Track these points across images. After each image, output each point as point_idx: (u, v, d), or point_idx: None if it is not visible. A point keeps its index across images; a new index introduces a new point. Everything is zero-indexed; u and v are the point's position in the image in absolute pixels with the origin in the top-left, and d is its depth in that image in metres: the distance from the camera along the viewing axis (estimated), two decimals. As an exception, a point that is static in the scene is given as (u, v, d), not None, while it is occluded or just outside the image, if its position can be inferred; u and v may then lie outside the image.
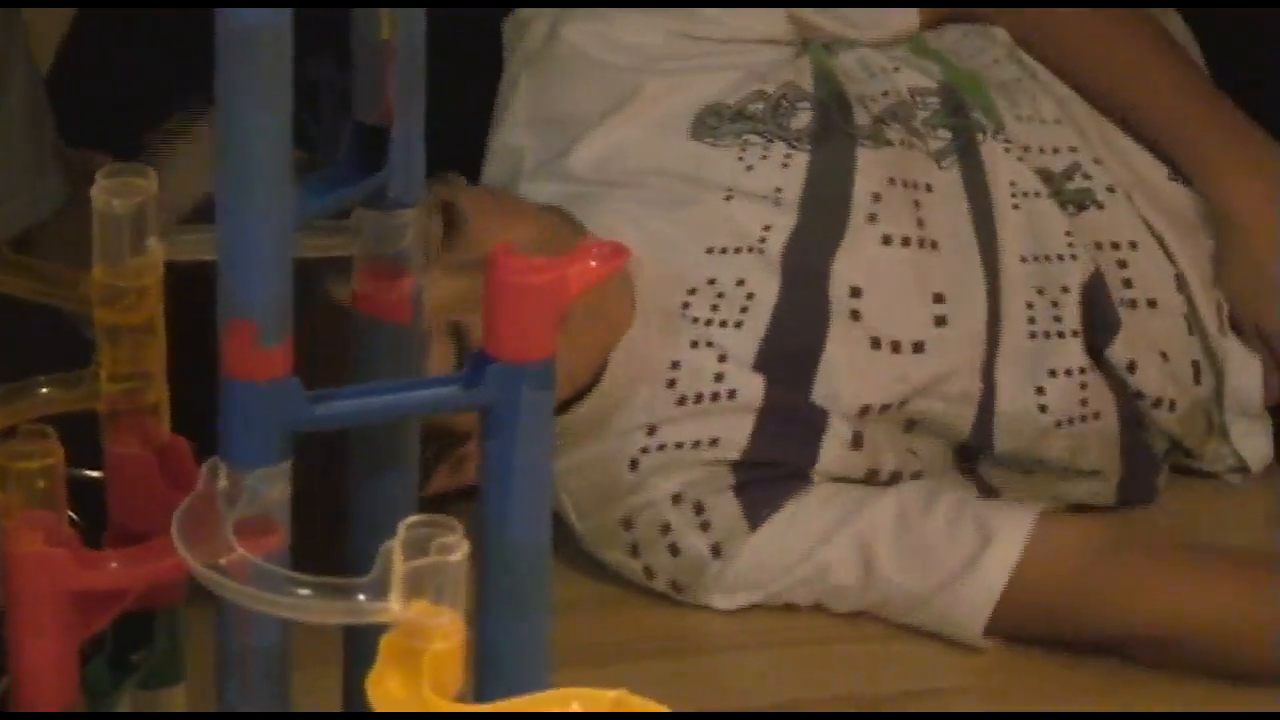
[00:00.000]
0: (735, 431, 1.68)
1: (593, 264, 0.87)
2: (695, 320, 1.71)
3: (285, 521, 0.92)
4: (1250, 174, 1.86)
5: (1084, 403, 1.76)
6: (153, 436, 1.03)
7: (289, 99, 0.83)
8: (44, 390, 1.01)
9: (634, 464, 1.67)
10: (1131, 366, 1.79)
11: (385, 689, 0.81)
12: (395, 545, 0.79)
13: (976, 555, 1.65)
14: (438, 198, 1.55)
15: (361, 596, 0.82)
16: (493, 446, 0.90)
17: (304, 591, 0.85)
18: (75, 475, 1.00)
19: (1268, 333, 1.86)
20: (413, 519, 0.80)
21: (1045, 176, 1.82)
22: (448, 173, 1.68)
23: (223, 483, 0.88)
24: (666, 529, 1.67)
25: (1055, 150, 1.85)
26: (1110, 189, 1.84)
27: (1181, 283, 1.84)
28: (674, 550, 1.67)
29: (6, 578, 0.97)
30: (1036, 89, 1.89)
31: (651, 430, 1.68)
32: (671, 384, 1.69)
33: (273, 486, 0.90)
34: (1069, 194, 1.83)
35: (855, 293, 1.71)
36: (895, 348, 1.72)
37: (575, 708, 0.80)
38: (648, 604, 1.73)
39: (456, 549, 0.79)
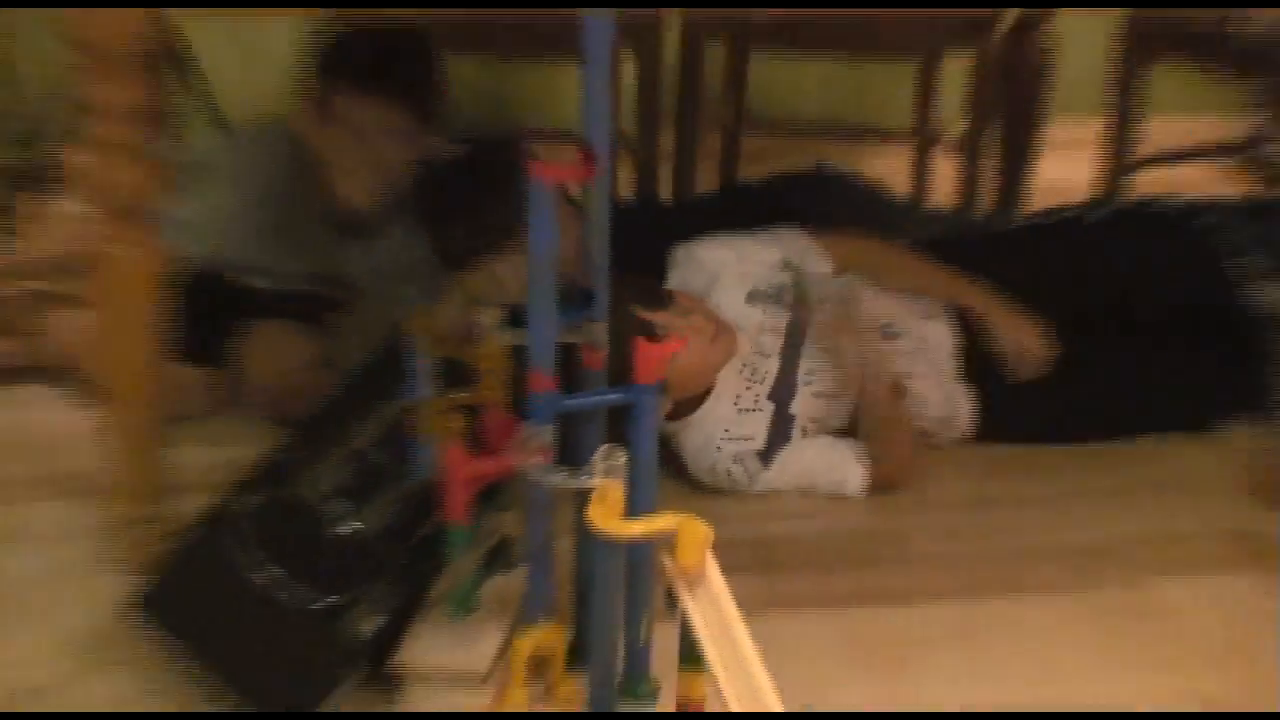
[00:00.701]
0: (759, 428, 2.54)
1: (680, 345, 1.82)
2: (747, 375, 2.57)
3: (552, 448, 1.82)
4: (985, 296, 2.62)
5: None
6: (498, 410, 1.96)
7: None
8: (461, 394, 1.96)
9: (718, 446, 2.54)
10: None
11: (595, 513, 1.71)
12: (598, 455, 1.72)
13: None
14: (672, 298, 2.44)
15: (584, 477, 1.75)
16: (635, 418, 1.83)
17: (560, 475, 1.78)
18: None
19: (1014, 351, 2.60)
20: (604, 446, 1.73)
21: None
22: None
23: (530, 433, 1.82)
24: (729, 472, 2.54)
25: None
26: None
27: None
28: (731, 478, 2.54)
29: (447, 469, 1.89)
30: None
31: (726, 429, 2.54)
32: (735, 402, 2.55)
33: (546, 434, 1.81)
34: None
35: (809, 378, 2.58)
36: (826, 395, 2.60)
37: (668, 521, 1.71)
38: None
39: (622, 456, 1.71)
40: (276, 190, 2.65)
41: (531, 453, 1.83)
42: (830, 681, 2.08)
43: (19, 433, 2.64)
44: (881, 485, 2.54)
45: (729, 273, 2.60)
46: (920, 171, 3.79)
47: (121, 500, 2.17)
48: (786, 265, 2.63)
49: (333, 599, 1.90)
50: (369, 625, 1.92)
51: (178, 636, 1.93)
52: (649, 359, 1.82)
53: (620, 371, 1.85)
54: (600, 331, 1.91)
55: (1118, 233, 2.73)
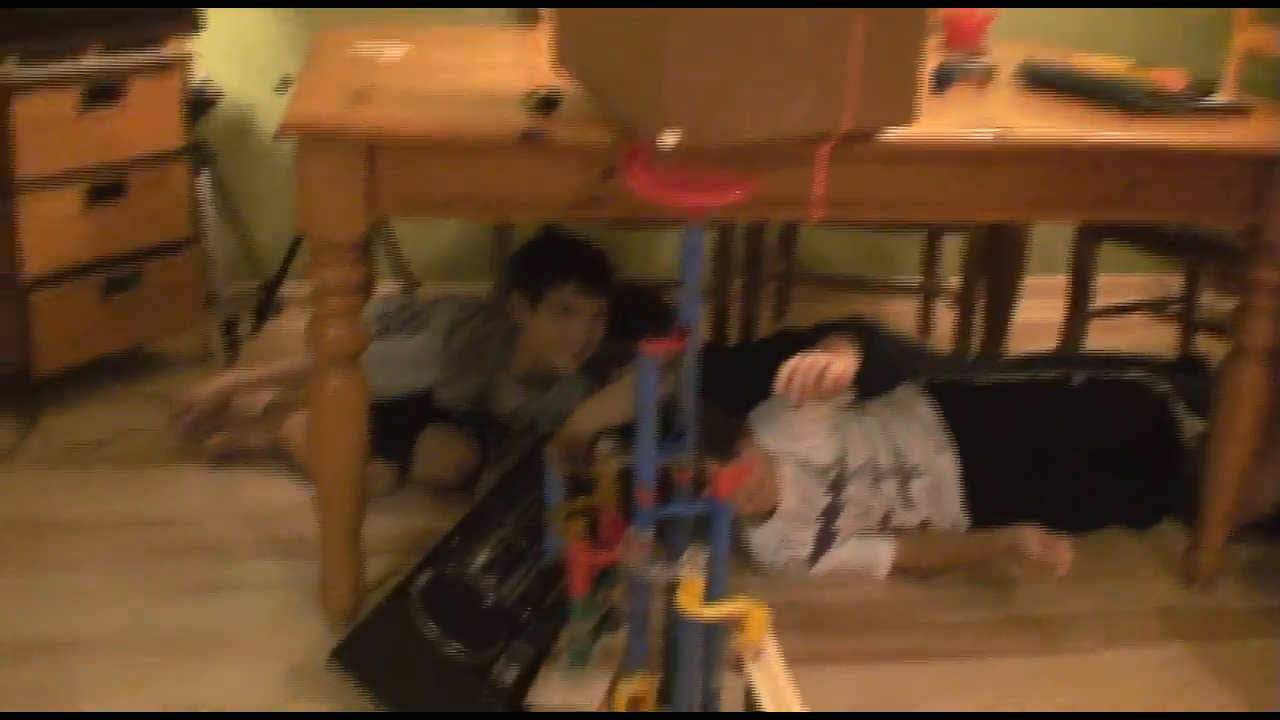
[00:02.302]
0: (809, 539, 2.50)
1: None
2: (805, 503, 2.50)
3: (652, 545, 1.88)
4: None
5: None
6: (610, 513, 2.01)
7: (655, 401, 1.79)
8: (579, 501, 2.01)
9: (776, 548, 2.50)
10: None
11: (682, 599, 1.78)
12: (685, 554, 1.76)
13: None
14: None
15: (675, 570, 1.79)
16: (712, 524, 1.87)
17: (657, 568, 1.82)
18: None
19: None
20: (690, 550, 1.77)
21: None
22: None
23: (635, 536, 1.87)
24: (784, 567, 2.51)
25: None
26: None
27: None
28: (784, 570, 2.51)
29: (571, 559, 1.95)
30: None
31: (784, 537, 2.49)
32: (793, 518, 2.50)
33: (648, 535, 1.87)
34: None
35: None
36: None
37: (738, 607, 1.75)
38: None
39: (703, 555, 1.75)
40: (478, 344, 2.73)
41: (636, 549, 1.88)
42: None
43: (253, 503, 2.67)
44: (900, 568, 2.54)
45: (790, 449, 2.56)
46: (926, 316, 3.83)
47: (328, 567, 2.21)
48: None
49: (484, 654, 1.94)
50: (510, 674, 1.97)
51: (365, 683, 1.96)
52: (722, 480, 1.87)
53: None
54: (690, 460, 1.95)
55: (1092, 392, 2.74)
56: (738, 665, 1.79)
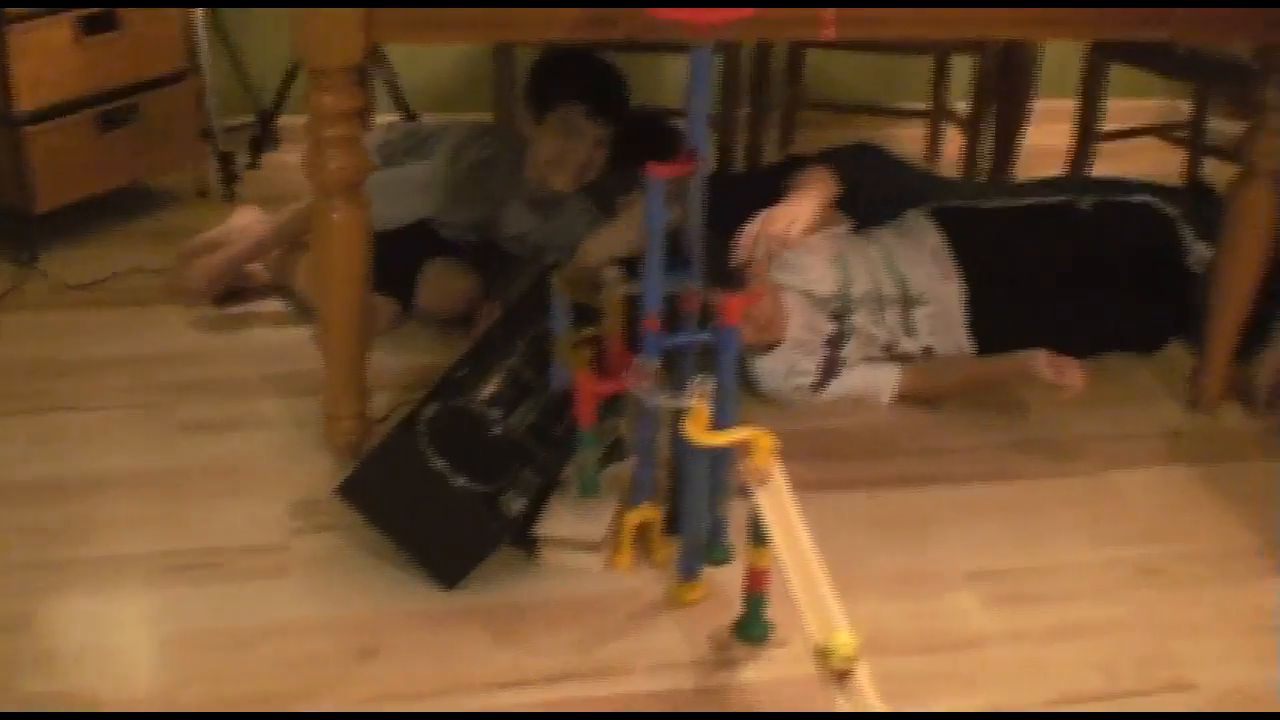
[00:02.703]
0: (814, 367, 2.48)
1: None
2: (808, 330, 2.48)
3: (659, 374, 1.86)
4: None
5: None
6: (617, 343, 1.99)
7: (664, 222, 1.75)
8: (589, 330, 1.98)
9: (784, 377, 2.47)
10: None
11: (688, 426, 1.76)
12: (694, 385, 1.75)
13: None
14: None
15: (681, 399, 1.78)
16: (719, 352, 1.85)
17: (664, 397, 1.80)
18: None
19: None
20: (699, 377, 1.75)
21: None
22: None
23: (642, 364, 1.85)
24: (790, 396, 2.48)
25: None
26: None
27: None
28: (791, 398, 2.48)
29: (577, 389, 1.92)
30: None
31: (791, 365, 2.47)
32: (799, 347, 2.48)
33: (654, 364, 1.84)
34: None
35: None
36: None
37: (744, 433, 1.74)
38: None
39: (710, 382, 1.73)
40: (485, 168, 2.64)
41: (643, 378, 1.86)
42: (862, 550, 2.09)
43: (256, 341, 2.66)
44: (907, 396, 2.52)
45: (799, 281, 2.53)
46: (934, 141, 3.77)
47: (333, 401, 2.20)
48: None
49: (492, 485, 1.93)
50: (518, 505, 1.96)
51: (371, 515, 1.96)
52: (730, 308, 1.84)
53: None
54: (697, 288, 1.92)
55: (1100, 215, 2.70)
56: (744, 491, 1.78)
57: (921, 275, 2.55)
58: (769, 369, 2.47)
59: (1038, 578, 2.05)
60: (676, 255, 1.89)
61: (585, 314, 2.00)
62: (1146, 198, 2.74)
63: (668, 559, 2.01)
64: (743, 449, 1.78)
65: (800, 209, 2.28)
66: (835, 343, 2.48)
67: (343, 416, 2.19)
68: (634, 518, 2.00)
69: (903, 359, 2.55)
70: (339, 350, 2.14)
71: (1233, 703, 1.80)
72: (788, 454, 2.19)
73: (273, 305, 2.78)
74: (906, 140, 3.81)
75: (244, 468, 2.22)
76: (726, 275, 2.25)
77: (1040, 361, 2.38)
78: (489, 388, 2.06)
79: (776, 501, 1.77)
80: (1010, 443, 2.41)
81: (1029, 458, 2.37)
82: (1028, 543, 2.13)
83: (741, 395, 2.37)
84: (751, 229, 2.24)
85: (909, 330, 2.54)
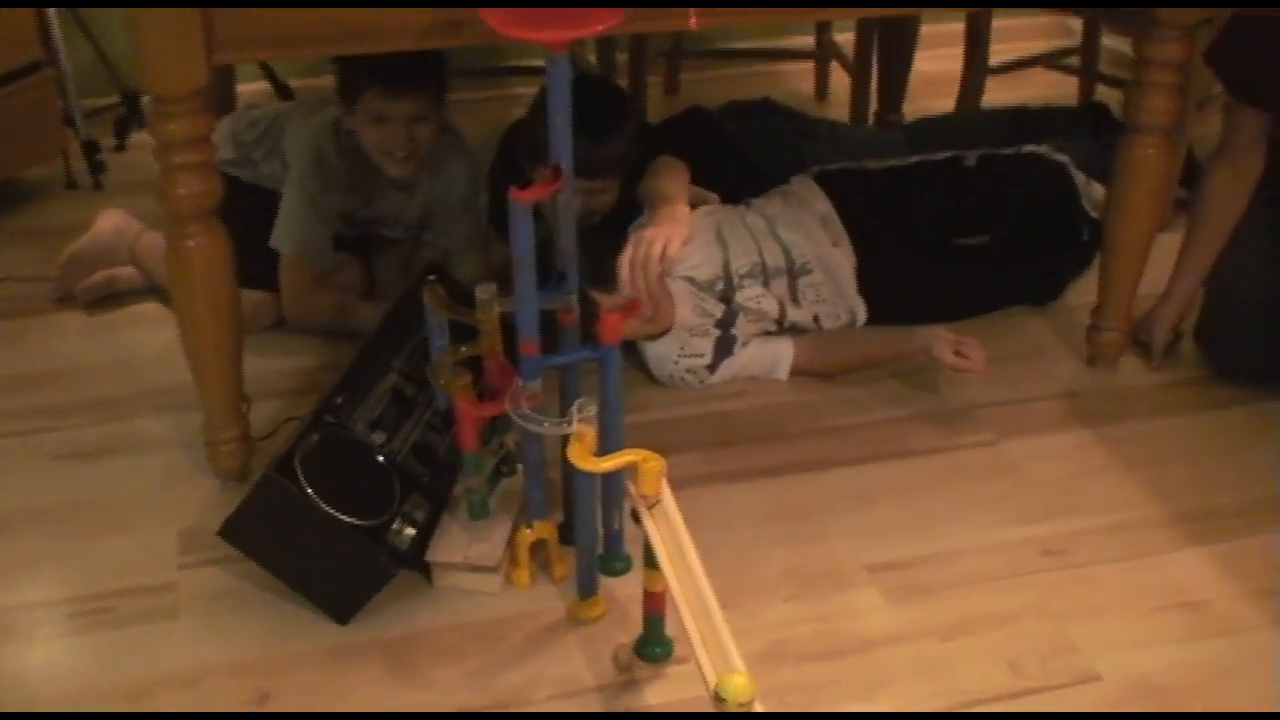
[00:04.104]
0: (707, 348, 2.42)
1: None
2: (699, 312, 2.42)
3: (540, 395, 1.80)
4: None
5: None
6: (496, 359, 1.90)
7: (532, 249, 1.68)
8: (463, 348, 1.91)
9: (675, 360, 2.40)
10: None
11: (574, 452, 1.70)
12: (575, 408, 1.69)
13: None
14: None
15: (565, 425, 1.72)
16: (602, 369, 1.80)
17: (546, 424, 1.74)
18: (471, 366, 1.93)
19: None
20: (580, 400, 1.69)
21: None
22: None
23: (521, 386, 1.79)
24: (682, 379, 2.41)
25: None
26: None
27: None
28: (684, 382, 2.42)
29: (458, 414, 1.86)
30: None
31: (681, 347, 2.40)
32: (690, 329, 2.41)
33: (536, 386, 1.78)
34: None
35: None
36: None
37: (630, 457, 1.69)
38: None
39: (593, 407, 1.68)
40: (343, 158, 2.51)
41: (524, 401, 1.80)
42: (758, 549, 2.06)
43: (131, 349, 2.54)
44: (803, 370, 2.47)
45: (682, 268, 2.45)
46: (821, 80, 3.70)
47: (211, 428, 2.12)
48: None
49: (378, 517, 1.87)
50: (407, 534, 1.90)
51: (256, 556, 1.90)
52: (609, 327, 1.79)
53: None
54: (573, 301, 1.87)
55: (988, 169, 2.67)
56: (634, 516, 1.74)
57: (805, 242, 2.50)
58: (660, 354, 2.42)
59: (938, 566, 2.02)
60: (549, 268, 1.82)
61: (463, 330, 1.94)
62: (1034, 147, 2.70)
63: (566, 574, 1.97)
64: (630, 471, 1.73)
65: (672, 226, 2.22)
66: (726, 322, 2.43)
67: (223, 441, 2.12)
68: (528, 536, 1.95)
69: (795, 331, 2.50)
70: (212, 381, 2.06)
71: (1138, 692, 1.80)
72: (679, 444, 2.17)
73: (146, 306, 2.68)
74: (796, 80, 3.73)
75: (127, 498, 2.14)
76: (604, 273, 2.20)
77: (942, 343, 2.35)
78: (370, 409, 1.99)
79: (666, 525, 1.73)
80: (905, 416, 2.38)
81: (924, 431, 2.34)
82: (926, 527, 2.11)
83: (635, 378, 2.37)
84: (627, 258, 2.19)
85: (796, 299, 2.49)
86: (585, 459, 1.73)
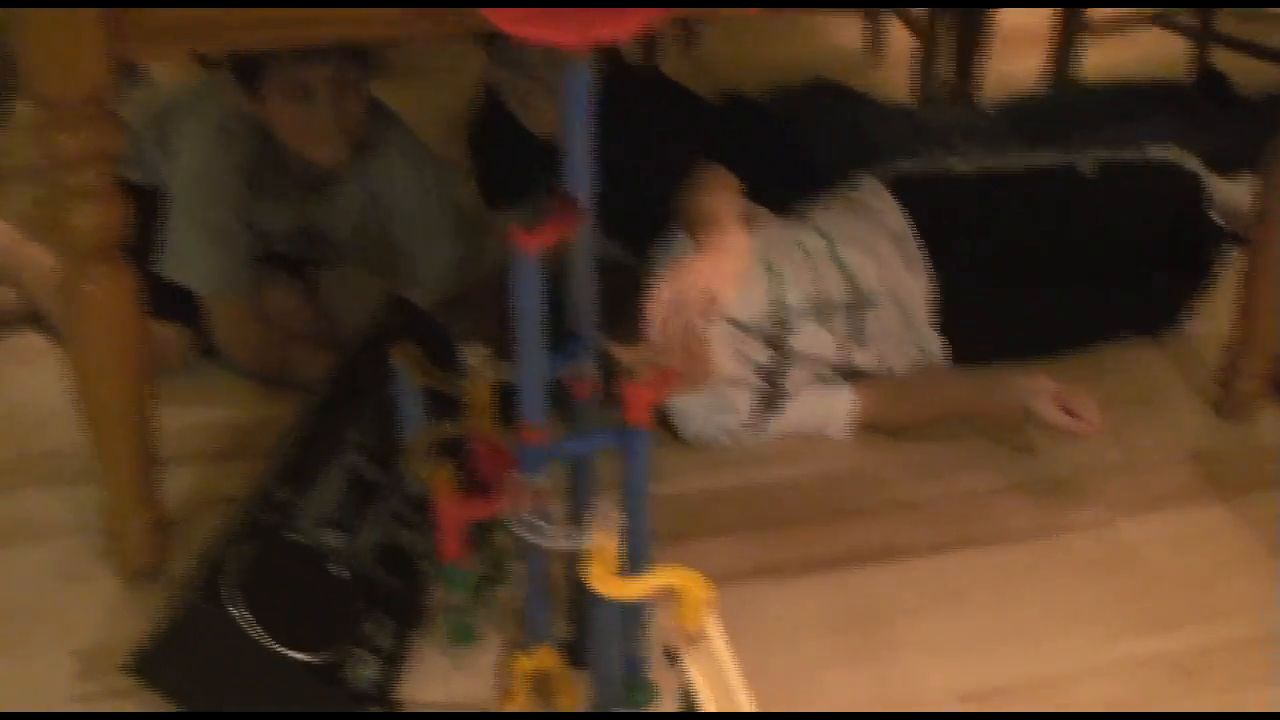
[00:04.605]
0: (743, 403, 2.28)
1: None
2: (739, 358, 2.28)
3: (547, 491, 1.62)
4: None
5: None
6: (487, 441, 1.71)
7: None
8: (445, 425, 1.75)
9: (703, 418, 2.26)
10: None
11: (594, 573, 1.53)
12: (591, 513, 1.52)
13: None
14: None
15: (579, 537, 1.56)
16: (627, 456, 1.64)
17: (554, 536, 1.57)
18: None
19: None
20: (600, 506, 1.52)
21: None
22: None
23: (522, 483, 1.62)
24: (715, 439, 2.28)
25: None
26: None
27: None
28: (716, 442, 2.28)
29: (439, 516, 1.67)
30: None
31: (709, 402, 2.26)
32: (725, 379, 2.27)
33: (541, 481, 1.59)
34: None
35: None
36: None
37: (668, 578, 1.53)
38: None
39: (615, 513, 1.51)
40: (237, 171, 2.33)
41: (525, 500, 1.63)
42: (816, 672, 1.91)
43: (13, 400, 2.39)
44: (866, 425, 2.33)
45: None
46: (875, 39, 3.53)
47: (115, 516, 1.97)
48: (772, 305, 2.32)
49: (332, 650, 1.72)
50: (369, 670, 1.75)
51: (178, 699, 1.74)
52: (637, 402, 1.61)
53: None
54: (589, 370, 1.70)
55: (1110, 181, 2.51)
56: (671, 656, 1.59)
57: (873, 265, 2.35)
58: (690, 411, 2.26)
59: (1049, 694, 1.88)
60: (559, 329, 1.65)
61: (443, 401, 1.78)
62: (1163, 151, 2.55)
63: (573, 706, 1.82)
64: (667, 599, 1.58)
65: (721, 262, 2.03)
66: (773, 373, 2.28)
67: (130, 533, 1.96)
68: (527, 664, 1.79)
69: (857, 376, 2.36)
70: (115, 451, 1.90)
71: None
72: (711, 526, 2.02)
73: (27, 342, 2.51)
74: (837, 31, 3.58)
75: (10, 604, 1.98)
76: (623, 316, 2.03)
77: (1044, 398, 2.20)
78: (321, 503, 1.83)
79: (713, 669, 1.58)
80: (995, 487, 2.25)
81: (1019, 507, 2.20)
82: (1029, 640, 1.96)
83: (662, 441, 2.22)
84: (661, 303, 1.99)
85: (860, 340, 2.34)
86: (609, 582, 1.56)
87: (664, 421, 2.29)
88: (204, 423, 2.31)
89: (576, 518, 1.69)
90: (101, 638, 1.91)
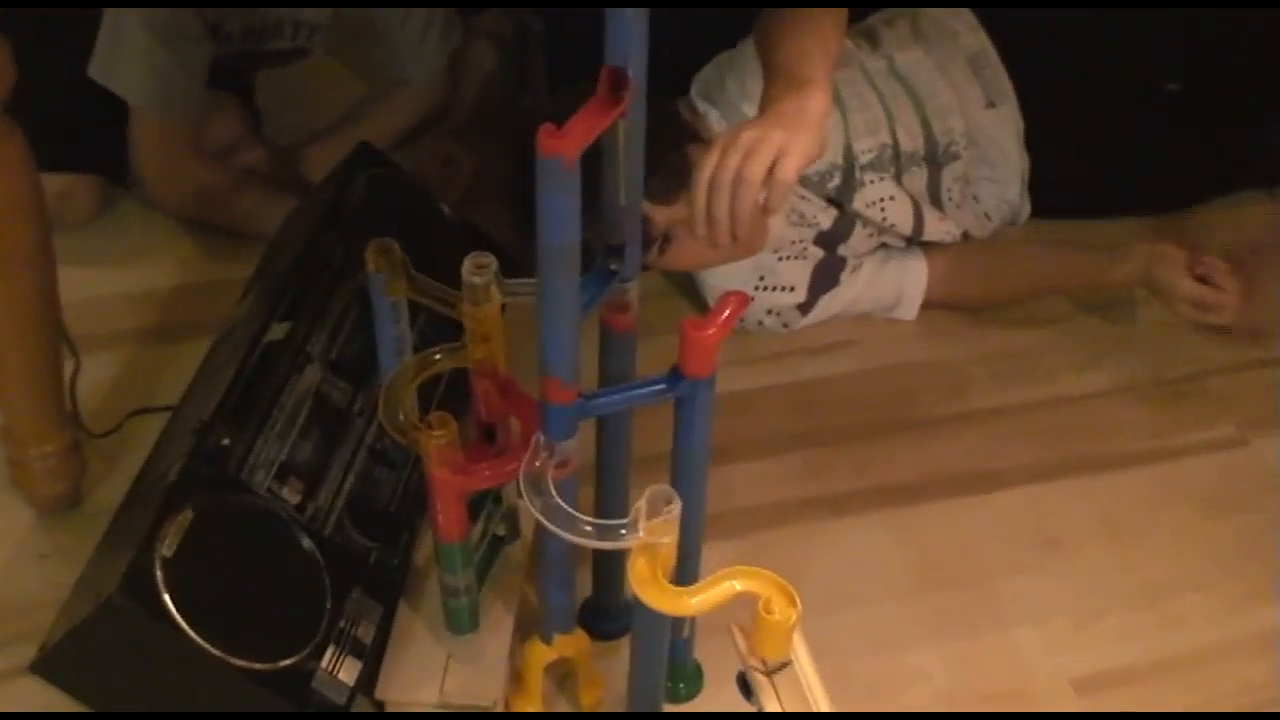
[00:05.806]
0: (800, 277, 1.94)
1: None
2: (795, 219, 1.93)
3: (576, 460, 1.24)
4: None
5: None
6: (496, 379, 1.33)
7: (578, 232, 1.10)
8: (438, 356, 1.34)
9: (751, 296, 1.79)
10: None
11: (640, 577, 1.15)
12: (642, 503, 1.12)
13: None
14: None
15: (623, 532, 1.14)
16: (682, 414, 1.24)
17: (590, 534, 1.17)
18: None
19: None
20: (653, 487, 1.13)
21: None
22: None
23: (545, 447, 1.22)
24: (760, 322, 1.96)
25: None
26: None
27: None
28: (761, 327, 1.96)
29: (432, 487, 1.31)
30: None
31: (761, 276, 1.93)
32: (776, 249, 1.94)
33: (565, 449, 1.22)
34: None
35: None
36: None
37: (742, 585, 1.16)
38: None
39: (676, 504, 1.13)
40: None
41: (546, 474, 1.24)
42: (894, 645, 1.59)
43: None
44: (940, 303, 2.00)
45: None
46: None
47: (16, 438, 1.61)
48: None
49: (295, 652, 1.35)
50: (347, 672, 1.38)
51: (96, 704, 1.38)
52: (699, 345, 1.21)
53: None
54: (631, 295, 1.32)
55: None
56: (744, 685, 1.24)
57: (954, 105, 1.96)
58: (725, 285, 1.87)
59: (1180, 680, 1.55)
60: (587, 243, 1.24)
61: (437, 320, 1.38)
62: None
63: (599, 700, 1.50)
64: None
65: (796, 131, 1.54)
66: (833, 237, 1.92)
67: (35, 458, 1.59)
68: (542, 655, 1.45)
69: (930, 245, 1.99)
70: (10, 367, 1.53)
71: None
72: (749, 443, 1.77)
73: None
74: None
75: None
76: (660, 165, 1.60)
77: (1171, 265, 1.86)
78: (275, 443, 1.44)
79: (796, 697, 1.23)
80: (1101, 389, 1.90)
81: (1132, 416, 1.87)
82: (1153, 600, 1.64)
83: (674, 309, 1.94)
84: (708, 168, 1.50)
85: (938, 200, 1.96)
86: (664, 593, 1.18)
87: (683, 289, 1.98)
88: (122, 293, 1.94)
89: (612, 499, 1.36)
90: (7, 594, 1.57)
